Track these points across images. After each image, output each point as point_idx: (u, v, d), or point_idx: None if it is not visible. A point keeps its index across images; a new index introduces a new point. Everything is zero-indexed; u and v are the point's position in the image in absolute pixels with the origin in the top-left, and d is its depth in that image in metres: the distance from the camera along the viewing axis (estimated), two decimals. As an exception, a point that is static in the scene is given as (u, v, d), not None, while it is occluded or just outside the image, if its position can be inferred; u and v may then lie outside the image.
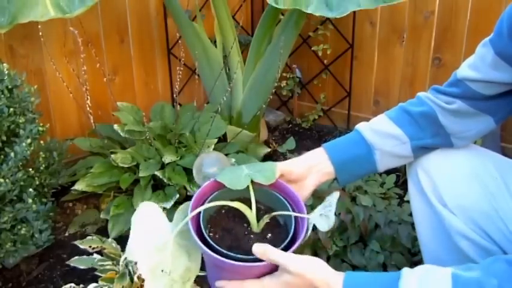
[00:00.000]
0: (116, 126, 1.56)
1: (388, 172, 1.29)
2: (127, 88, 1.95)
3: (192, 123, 1.66)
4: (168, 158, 1.48)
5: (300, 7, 1.42)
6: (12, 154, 1.13)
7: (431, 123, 0.88)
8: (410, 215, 1.09)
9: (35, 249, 1.28)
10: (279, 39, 1.70)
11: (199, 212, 0.72)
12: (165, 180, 1.44)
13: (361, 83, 2.14)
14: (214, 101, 1.82)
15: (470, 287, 0.60)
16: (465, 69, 0.84)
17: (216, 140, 1.63)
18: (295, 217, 0.74)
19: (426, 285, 0.62)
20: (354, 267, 1.25)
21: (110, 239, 1.12)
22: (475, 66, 0.82)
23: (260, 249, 0.67)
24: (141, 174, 1.43)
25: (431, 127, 0.88)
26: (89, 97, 1.39)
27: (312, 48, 2.12)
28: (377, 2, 1.42)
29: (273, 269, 0.69)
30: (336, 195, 0.73)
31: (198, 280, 1.15)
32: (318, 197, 1.35)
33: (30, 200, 1.18)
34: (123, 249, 1.08)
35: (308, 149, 0.92)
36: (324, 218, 0.69)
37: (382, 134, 0.89)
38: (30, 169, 1.26)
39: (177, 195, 1.42)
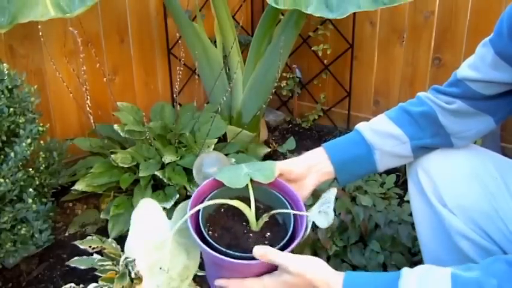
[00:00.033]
0: (115, 126, 1.56)
1: (388, 172, 1.29)
2: (127, 88, 1.96)
3: (192, 123, 1.66)
4: (168, 158, 1.48)
5: (300, 7, 1.42)
6: (12, 154, 1.13)
7: (431, 123, 0.88)
8: (410, 215, 1.09)
9: (35, 249, 1.28)
10: (279, 39, 1.70)
11: (198, 211, 0.72)
12: (165, 180, 1.44)
13: (361, 83, 2.14)
14: (214, 101, 1.82)
15: (470, 287, 0.60)
16: (465, 69, 0.84)
17: (216, 140, 1.63)
18: (294, 215, 0.74)
19: (426, 285, 0.62)
20: (354, 267, 1.25)
21: (110, 239, 1.12)
22: (475, 66, 0.82)
23: (260, 251, 0.67)
24: (141, 174, 1.43)
25: (431, 127, 0.88)
26: (88, 97, 1.39)
27: (312, 48, 2.12)
28: (377, 3, 1.41)
29: (272, 267, 0.69)
30: (333, 191, 0.73)
31: (198, 280, 1.15)
32: (317, 196, 1.35)
33: (30, 200, 1.18)
34: (123, 250, 1.08)
35: (308, 149, 0.92)
36: (323, 215, 0.69)
37: (382, 134, 0.89)
38: (30, 169, 1.26)
39: (177, 195, 1.42)
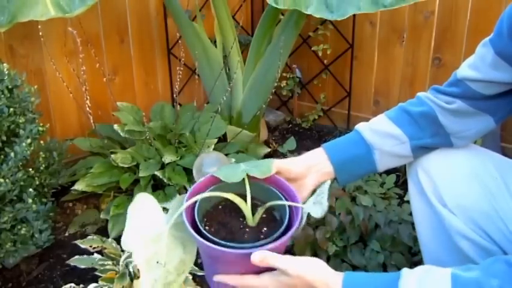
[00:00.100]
0: (116, 126, 1.56)
1: (388, 172, 1.29)
2: (127, 88, 1.96)
3: (192, 123, 1.66)
4: (168, 158, 1.48)
5: (300, 8, 1.42)
6: (12, 154, 1.13)
7: (430, 123, 0.88)
8: (410, 214, 1.09)
9: (35, 249, 1.28)
10: (279, 39, 1.70)
11: (194, 206, 0.72)
12: (165, 180, 1.44)
13: (361, 83, 2.14)
14: (214, 101, 1.83)
15: (470, 287, 0.60)
16: (465, 69, 0.84)
17: (216, 140, 1.63)
18: (290, 209, 0.73)
19: (426, 286, 0.62)
20: (354, 267, 1.25)
21: (110, 239, 1.12)
22: (475, 66, 0.82)
23: (258, 256, 0.65)
24: (141, 174, 1.43)
25: (431, 127, 0.88)
26: (88, 97, 1.39)
27: (312, 48, 2.12)
28: (377, 6, 1.41)
29: None
30: (327, 183, 0.73)
31: (198, 280, 1.15)
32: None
33: (30, 200, 1.18)
34: (123, 250, 1.08)
35: (308, 149, 0.92)
36: (317, 206, 0.69)
37: (381, 133, 0.89)
38: (30, 169, 1.26)
39: (177, 195, 1.42)
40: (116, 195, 1.50)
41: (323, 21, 2.07)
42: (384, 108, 0.99)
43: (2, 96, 1.14)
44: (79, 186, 1.43)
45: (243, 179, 0.74)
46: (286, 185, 0.78)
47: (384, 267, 1.25)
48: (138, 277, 0.94)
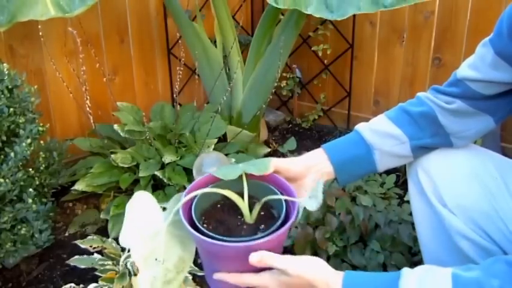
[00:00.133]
0: (116, 126, 1.57)
1: (388, 172, 1.29)
2: (127, 88, 1.96)
3: (192, 123, 1.66)
4: (168, 158, 1.48)
5: (300, 8, 1.42)
6: (12, 154, 1.13)
7: (430, 123, 0.88)
8: (410, 214, 1.09)
9: (35, 249, 1.28)
10: (279, 39, 1.70)
11: (192, 203, 0.72)
12: (165, 180, 1.44)
13: (361, 83, 2.14)
14: (214, 101, 1.83)
15: (471, 287, 0.60)
16: (465, 69, 0.84)
17: (216, 140, 1.63)
18: (287, 205, 0.74)
19: (426, 285, 0.62)
20: (354, 267, 1.25)
21: (110, 239, 1.12)
22: (475, 66, 0.82)
23: (256, 257, 0.65)
24: (141, 174, 1.43)
25: (431, 127, 0.88)
26: (88, 97, 1.39)
27: (312, 48, 2.13)
28: (377, 6, 1.42)
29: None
30: (322, 180, 0.73)
31: (198, 280, 1.15)
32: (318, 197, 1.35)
33: (30, 200, 1.18)
34: (123, 250, 1.08)
35: (308, 149, 0.92)
36: (313, 199, 0.69)
37: (381, 134, 0.89)
38: (30, 169, 1.26)
39: (176, 195, 1.42)
40: (116, 195, 1.50)
41: (323, 21, 2.07)
42: (384, 108, 0.99)
43: (2, 96, 1.14)
44: (79, 186, 1.43)
45: (241, 177, 0.74)
46: (285, 183, 0.78)
47: (384, 267, 1.25)
48: (136, 274, 0.94)
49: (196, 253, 0.74)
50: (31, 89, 1.22)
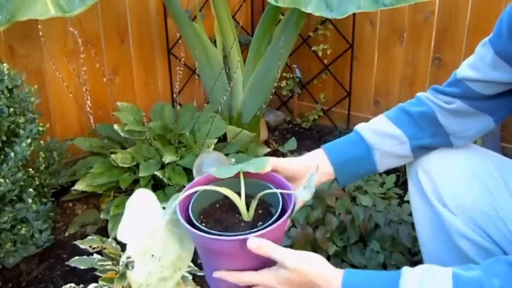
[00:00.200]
0: (116, 126, 1.57)
1: (388, 172, 1.29)
2: (127, 88, 1.96)
3: (192, 123, 1.66)
4: (168, 158, 1.48)
5: (299, 6, 1.42)
6: (12, 154, 1.13)
7: (430, 123, 0.88)
8: (410, 215, 1.09)
9: (35, 249, 1.28)
10: (279, 39, 1.70)
11: (189, 202, 0.73)
12: (165, 180, 1.44)
13: (361, 83, 2.14)
14: (214, 101, 1.83)
15: (471, 286, 0.60)
16: (465, 69, 0.84)
17: (216, 140, 1.63)
18: (284, 199, 0.74)
19: (426, 284, 0.62)
20: (354, 267, 1.25)
21: (110, 239, 1.12)
22: (475, 66, 0.82)
23: (256, 243, 0.64)
24: (141, 174, 1.43)
25: (431, 127, 0.88)
26: (88, 97, 1.39)
27: (312, 48, 2.12)
28: (377, 5, 1.41)
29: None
30: (315, 172, 0.74)
31: (198, 280, 1.15)
32: (318, 197, 1.35)
33: (30, 200, 1.18)
34: (123, 249, 1.08)
35: (308, 149, 0.92)
36: (307, 189, 0.70)
37: (381, 134, 0.89)
38: (30, 169, 1.26)
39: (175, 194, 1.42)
40: (116, 195, 1.50)
41: (323, 21, 2.07)
42: (384, 108, 0.99)
43: (2, 96, 1.14)
44: (79, 186, 1.43)
45: (239, 177, 0.74)
46: (283, 181, 0.78)
47: (384, 267, 1.25)
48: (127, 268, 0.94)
49: (196, 253, 0.74)
50: (31, 89, 1.22)
